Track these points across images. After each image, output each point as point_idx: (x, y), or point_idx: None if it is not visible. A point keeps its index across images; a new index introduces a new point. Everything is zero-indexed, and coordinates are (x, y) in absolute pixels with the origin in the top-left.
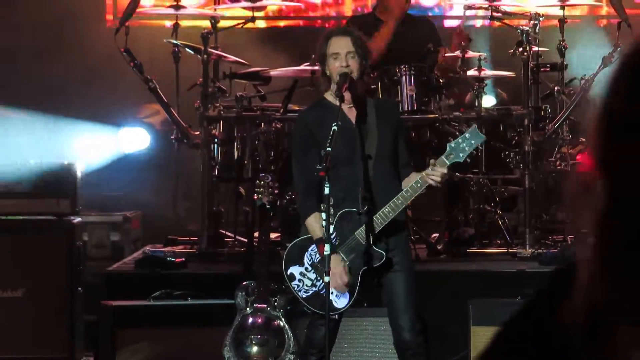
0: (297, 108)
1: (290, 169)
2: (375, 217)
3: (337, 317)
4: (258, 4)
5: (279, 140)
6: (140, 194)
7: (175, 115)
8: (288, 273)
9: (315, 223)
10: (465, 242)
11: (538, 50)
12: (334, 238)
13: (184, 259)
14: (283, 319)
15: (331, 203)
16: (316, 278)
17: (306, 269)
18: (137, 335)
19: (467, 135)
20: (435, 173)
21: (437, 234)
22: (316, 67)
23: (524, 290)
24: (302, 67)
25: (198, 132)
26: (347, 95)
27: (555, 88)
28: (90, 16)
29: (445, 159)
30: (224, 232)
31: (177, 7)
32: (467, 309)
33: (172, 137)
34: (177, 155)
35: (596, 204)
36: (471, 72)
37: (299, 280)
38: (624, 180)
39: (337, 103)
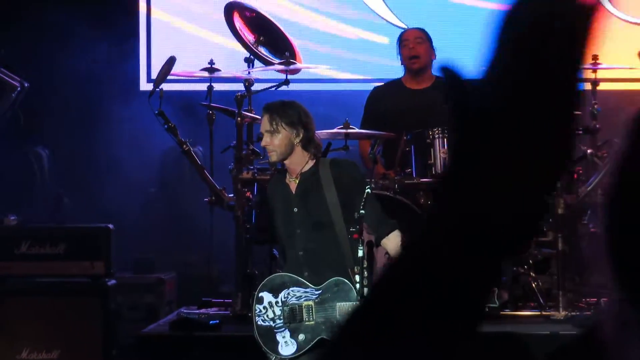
0: None
1: None
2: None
3: None
4: (292, 67)
5: None
6: (174, 256)
7: (209, 177)
8: (259, 295)
9: None
10: (499, 305)
11: None
12: (315, 296)
13: (218, 321)
14: None
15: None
16: (279, 317)
17: (276, 302)
18: None
19: None
20: None
21: None
22: (351, 130)
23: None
24: (335, 130)
25: (232, 195)
26: (294, 169)
27: (588, 151)
28: (123, 79)
29: None
30: None
31: (211, 70)
32: None
33: (206, 199)
34: (211, 218)
35: None
36: None
37: (264, 308)
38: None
39: (288, 175)
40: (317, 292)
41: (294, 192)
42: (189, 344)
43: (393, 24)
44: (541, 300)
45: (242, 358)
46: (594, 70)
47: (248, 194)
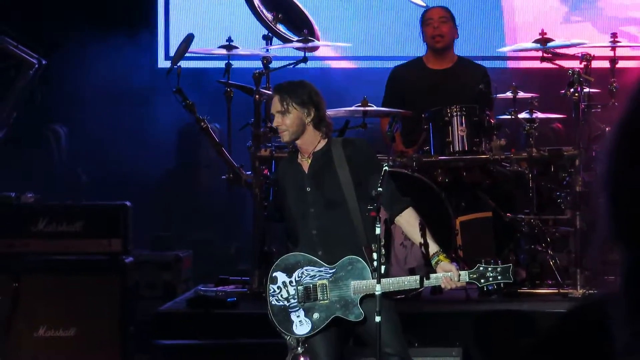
0: None
1: None
2: (379, 281)
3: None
4: (310, 44)
5: None
6: (192, 234)
7: (227, 155)
8: (273, 275)
9: None
10: (517, 283)
11: (589, 91)
12: (329, 275)
13: (235, 299)
14: None
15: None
16: (293, 296)
17: (290, 282)
18: None
19: (498, 269)
20: (452, 284)
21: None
22: (368, 108)
23: None
24: (353, 107)
25: (250, 172)
26: (306, 148)
27: (607, 129)
28: (141, 57)
29: (467, 276)
30: None
31: (229, 47)
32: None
33: (224, 177)
34: (228, 195)
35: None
36: (523, 115)
37: (278, 288)
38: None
39: (300, 154)
40: (331, 271)
41: (306, 172)
42: (206, 322)
43: (413, 2)
44: (559, 278)
45: (259, 335)
46: (613, 49)
47: (266, 171)
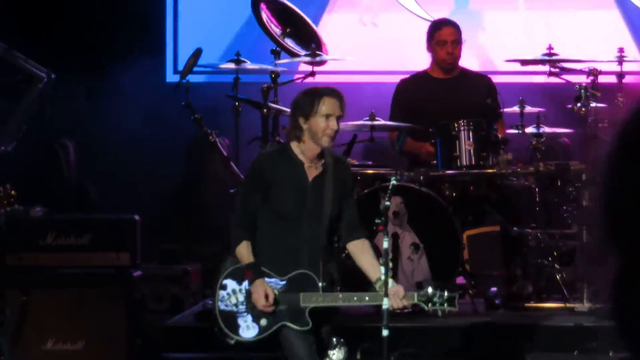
0: (356, 162)
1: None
2: (324, 294)
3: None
4: (318, 58)
5: None
6: (200, 247)
7: (235, 169)
8: (223, 282)
9: (245, 250)
10: (524, 297)
11: (596, 106)
12: (280, 286)
13: None
14: None
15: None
16: (242, 302)
17: (240, 290)
18: None
19: (445, 296)
20: (398, 303)
21: (495, 289)
22: (376, 122)
23: (581, 345)
24: (361, 121)
25: None
26: (312, 155)
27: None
28: (150, 70)
29: (415, 297)
30: None
31: (237, 62)
32: None
33: (232, 190)
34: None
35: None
36: (530, 129)
37: (227, 294)
38: None
39: (301, 157)
40: (281, 282)
41: (309, 180)
42: (214, 335)
43: (419, 17)
44: (565, 292)
45: (267, 349)
46: (620, 63)
47: None
